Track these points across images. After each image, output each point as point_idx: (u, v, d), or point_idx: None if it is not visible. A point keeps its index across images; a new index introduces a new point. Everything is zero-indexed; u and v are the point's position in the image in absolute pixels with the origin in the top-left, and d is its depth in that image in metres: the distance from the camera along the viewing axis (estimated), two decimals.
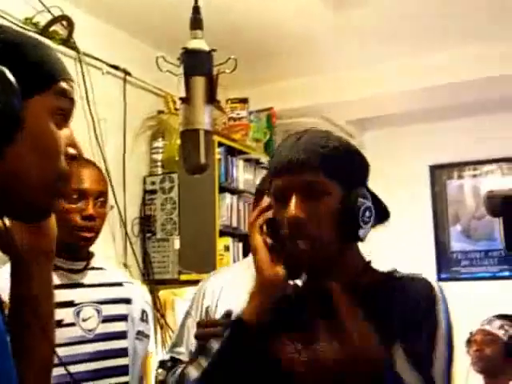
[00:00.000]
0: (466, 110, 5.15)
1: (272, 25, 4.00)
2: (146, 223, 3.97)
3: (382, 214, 1.54)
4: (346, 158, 1.44)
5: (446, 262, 5.36)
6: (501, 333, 3.49)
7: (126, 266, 3.73)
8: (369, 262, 1.53)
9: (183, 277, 3.82)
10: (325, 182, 1.39)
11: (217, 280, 2.33)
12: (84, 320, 2.15)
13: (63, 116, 1.14)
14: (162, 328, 3.88)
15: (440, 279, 5.30)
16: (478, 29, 4.07)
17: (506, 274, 5.00)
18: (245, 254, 3.84)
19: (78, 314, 2.15)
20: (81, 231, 2.15)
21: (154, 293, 3.88)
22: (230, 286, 2.22)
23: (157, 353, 3.77)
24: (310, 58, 4.47)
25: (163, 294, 3.98)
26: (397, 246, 5.06)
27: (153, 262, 3.94)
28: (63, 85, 1.13)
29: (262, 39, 4.18)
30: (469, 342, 3.68)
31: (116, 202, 3.68)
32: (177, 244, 3.87)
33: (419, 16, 3.91)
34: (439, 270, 5.36)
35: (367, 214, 1.40)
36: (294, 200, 1.39)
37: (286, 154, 1.44)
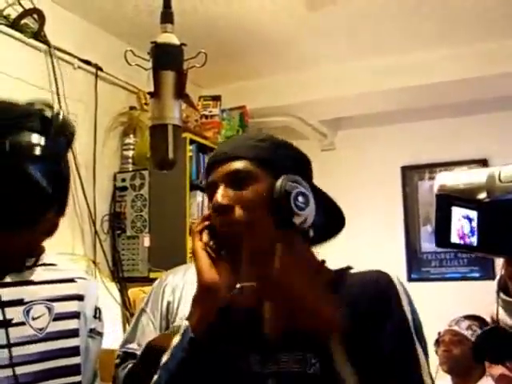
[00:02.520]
0: (437, 111, 5.18)
1: (245, 23, 3.98)
2: (116, 220, 3.93)
3: (337, 221, 1.51)
4: (274, 148, 1.43)
5: (416, 262, 5.38)
6: (469, 333, 3.51)
7: (95, 263, 3.69)
8: (323, 262, 1.49)
9: (153, 274, 3.79)
10: (251, 169, 1.38)
11: (177, 278, 2.30)
12: (34, 319, 2.10)
13: None
14: None
15: (410, 279, 5.33)
16: (452, 30, 4.10)
17: (476, 274, 5.03)
18: None
19: (27, 312, 2.09)
20: None
21: (123, 290, 3.85)
22: (192, 285, 2.20)
23: None
24: (284, 56, 4.47)
25: (133, 291, 3.95)
26: (367, 246, 5.08)
27: (122, 260, 3.90)
28: None
29: (235, 37, 4.16)
30: (437, 342, 3.70)
31: (86, 198, 3.65)
32: (147, 241, 3.84)
33: (393, 16, 3.92)
34: (409, 271, 5.38)
35: (300, 199, 1.33)
36: (220, 189, 1.38)
37: (215, 152, 1.46)
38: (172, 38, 1.69)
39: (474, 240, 1.11)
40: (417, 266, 5.40)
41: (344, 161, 5.53)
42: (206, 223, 1.42)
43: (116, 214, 3.95)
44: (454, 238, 1.09)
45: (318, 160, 5.67)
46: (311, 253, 1.48)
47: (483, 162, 5.10)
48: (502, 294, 1.19)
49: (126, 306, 3.83)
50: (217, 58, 3.52)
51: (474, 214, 1.12)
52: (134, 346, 2.20)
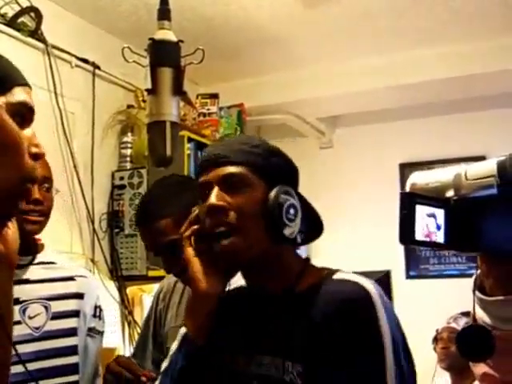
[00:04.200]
0: (435, 108, 5.18)
1: (243, 21, 3.98)
2: (114, 219, 3.92)
3: (316, 227, 1.53)
4: (267, 155, 1.45)
5: (414, 259, 5.38)
6: None
7: (93, 261, 3.69)
8: (306, 261, 1.51)
9: (151, 273, 3.79)
10: (247, 175, 1.40)
11: (169, 285, 2.31)
12: (31, 317, 2.08)
13: (23, 119, 1.15)
14: (129, 324, 3.85)
15: (409, 276, 5.33)
16: (450, 27, 4.10)
17: (474, 271, 5.02)
18: None
19: (24, 311, 2.07)
20: (26, 215, 2.06)
21: (121, 289, 3.85)
22: (177, 294, 2.23)
23: (124, 349, 3.74)
24: (282, 54, 4.47)
25: (131, 290, 3.95)
26: (366, 244, 5.08)
27: (121, 258, 3.89)
28: (16, 90, 1.15)
29: (233, 35, 4.16)
30: (435, 339, 3.71)
31: (84, 196, 3.64)
32: None
33: (390, 14, 3.92)
34: (408, 268, 5.38)
35: (291, 211, 1.38)
36: (214, 191, 1.38)
37: (210, 151, 1.46)
38: (169, 35, 1.69)
39: (440, 237, 1.12)
40: (415, 263, 5.39)
41: (342, 158, 5.52)
42: (195, 227, 1.44)
43: (114, 212, 3.94)
44: (419, 236, 1.10)
45: (316, 158, 5.72)
46: (296, 257, 1.50)
47: (481, 159, 5.06)
48: (477, 293, 1.20)
49: (125, 304, 3.83)
50: (215, 56, 3.52)
51: (439, 212, 1.13)
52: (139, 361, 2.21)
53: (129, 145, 4.03)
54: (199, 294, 1.42)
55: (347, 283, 1.37)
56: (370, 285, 1.36)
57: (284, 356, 1.34)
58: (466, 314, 3.61)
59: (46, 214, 2.16)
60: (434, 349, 3.70)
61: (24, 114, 1.15)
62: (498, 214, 1.11)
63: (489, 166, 1.11)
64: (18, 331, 2.02)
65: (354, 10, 3.86)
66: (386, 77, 4.54)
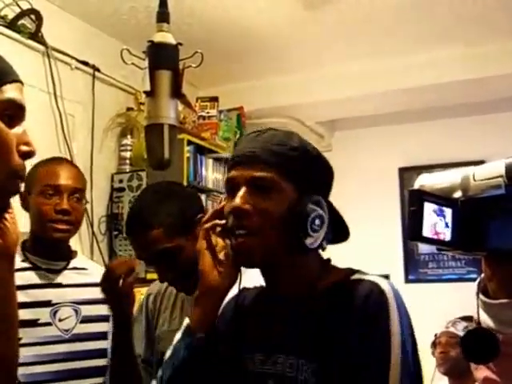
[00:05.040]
0: (434, 112, 5.19)
1: (243, 24, 3.98)
2: (113, 221, 3.93)
3: (341, 232, 1.51)
4: (304, 160, 1.41)
5: (413, 263, 5.38)
6: None
7: None
8: (328, 262, 1.49)
9: (150, 276, 3.77)
10: (277, 179, 1.36)
11: (160, 286, 2.32)
12: (61, 320, 2.16)
13: (12, 117, 1.14)
14: None
15: (407, 281, 5.33)
16: (449, 32, 4.11)
17: (473, 276, 5.02)
18: None
19: (54, 313, 2.16)
20: (54, 223, 2.16)
21: None
22: (170, 295, 2.24)
23: None
24: (281, 58, 4.47)
25: None
26: (365, 248, 5.07)
27: None
28: (6, 88, 1.14)
29: (233, 39, 4.16)
30: (434, 343, 3.70)
31: None
32: None
33: (390, 18, 3.92)
34: (407, 272, 5.38)
35: (317, 222, 1.35)
36: (241, 192, 1.36)
37: (243, 147, 1.42)
38: (168, 38, 1.69)
39: (447, 236, 1.13)
40: (414, 267, 5.39)
41: (341, 162, 5.46)
42: (217, 222, 1.42)
43: (113, 214, 3.94)
44: (426, 233, 1.11)
45: None
46: (317, 260, 1.47)
47: (481, 163, 5.08)
48: (481, 296, 1.19)
49: None
50: (214, 60, 3.53)
51: (447, 211, 1.14)
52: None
53: (128, 147, 4.03)
54: (206, 287, 1.41)
55: (364, 283, 1.36)
56: (386, 285, 1.35)
57: (298, 355, 1.34)
58: (464, 318, 3.61)
59: (74, 224, 2.24)
60: (433, 353, 3.69)
61: (14, 111, 1.15)
62: (505, 215, 1.12)
63: (497, 167, 1.12)
64: (48, 332, 2.11)
65: (353, 14, 3.87)
66: (385, 81, 4.54)
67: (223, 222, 1.40)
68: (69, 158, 3.49)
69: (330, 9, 3.80)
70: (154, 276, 3.64)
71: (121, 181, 3.96)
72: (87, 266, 2.36)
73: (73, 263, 2.30)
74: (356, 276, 1.40)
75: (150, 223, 1.93)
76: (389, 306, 1.31)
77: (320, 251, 1.45)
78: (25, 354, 2.00)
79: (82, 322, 2.20)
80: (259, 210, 1.35)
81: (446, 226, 1.13)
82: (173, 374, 1.40)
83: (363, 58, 4.47)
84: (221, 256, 1.41)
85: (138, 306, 2.33)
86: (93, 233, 3.76)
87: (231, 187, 1.40)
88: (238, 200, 1.35)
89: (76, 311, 2.20)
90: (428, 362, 3.69)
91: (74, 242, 3.57)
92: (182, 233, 1.95)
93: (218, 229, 1.42)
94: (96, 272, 2.37)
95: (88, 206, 3.69)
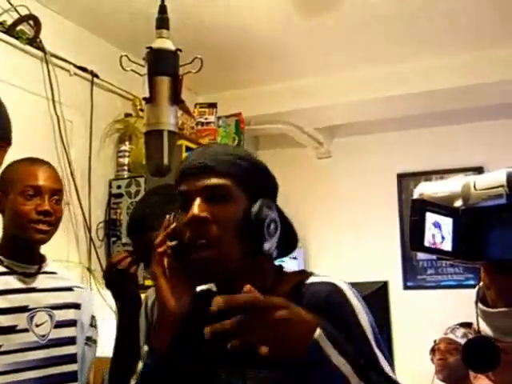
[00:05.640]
0: (433, 119, 5.18)
1: (242, 30, 3.98)
2: (111, 227, 3.91)
3: (292, 241, 1.52)
4: (252, 168, 1.42)
5: (412, 270, 5.37)
6: (464, 341, 3.49)
7: (90, 270, 3.68)
8: (281, 268, 1.49)
9: (148, 282, 3.77)
10: (230, 187, 1.37)
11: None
12: (37, 325, 2.13)
13: None
14: None
15: (406, 287, 5.32)
16: (447, 38, 4.11)
17: (472, 282, 5.01)
18: None
19: (31, 319, 2.12)
20: (35, 224, 2.14)
21: None
22: None
23: None
24: (280, 64, 4.47)
25: None
26: (363, 254, 5.07)
27: None
28: None
29: (231, 45, 4.16)
30: (433, 350, 3.69)
31: (81, 205, 3.64)
32: None
33: (388, 25, 3.92)
34: (405, 278, 5.37)
35: (272, 226, 1.36)
36: (197, 201, 1.35)
37: (193, 159, 1.42)
38: (167, 44, 1.69)
39: (448, 245, 1.13)
40: (412, 273, 5.38)
41: (340, 168, 5.52)
42: (172, 243, 1.41)
43: (111, 220, 3.93)
44: (428, 242, 1.11)
45: (314, 168, 5.72)
46: (270, 268, 1.47)
47: (479, 170, 5.10)
48: (480, 305, 1.19)
49: None
50: (213, 66, 3.52)
51: (448, 221, 1.14)
52: None
53: (126, 153, 4.02)
54: (165, 315, 1.40)
55: (320, 285, 1.38)
56: (343, 283, 1.38)
57: (272, 369, 1.29)
58: (463, 324, 3.60)
59: (54, 225, 2.22)
60: (432, 360, 3.69)
61: None
62: (505, 225, 1.12)
63: (498, 176, 1.12)
64: (26, 338, 2.07)
65: (351, 21, 3.87)
66: (384, 87, 4.55)
67: (174, 243, 1.40)
68: (67, 163, 3.49)
69: (329, 16, 3.80)
70: (152, 282, 3.66)
71: (119, 187, 3.95)
72: (57, 271, 2.33)
73: (44, 267, 2.26)
74: (311, 279, 1.41)
75: (152, 225, 1.93)
76: (350, 300, 1.35)
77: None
78: (5, 362, 1.98)
79: (56, 326, 2.18)
80: (216, 218, 1.34)
81: (448, 235, 1.13)
82: None
83: (362, 65, 4.47)
84: (178, 279, 1.40)
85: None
86: (91, 239, 3.75)
87: (184, 201, 1.39)
88: (194, 209, 1.34)
89: (51, 316, 2.17)
90: (427, 369, 3.69)
91: (71, 248, 3.60)
92: None
93: (169, 251, 1.41)
94: (65, 276, 2.37)
95: (86, 212, 3.69)
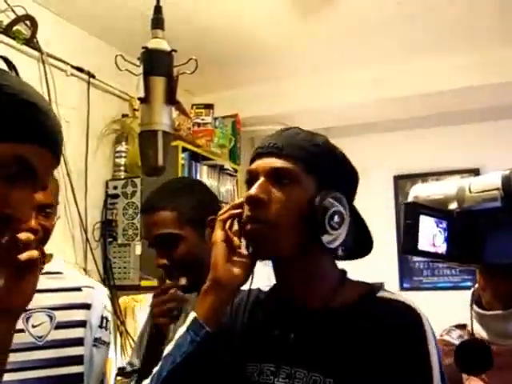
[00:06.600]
0: (429, 120, 5.19)
1: (238, 31, 3.98)
2: (108, 228, 3.91)
3: (363, 245, 1.46)
4: (327, 158, 1.37)
5: (408, 271, 5.38)
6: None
7: (85, 271, 3.67)
8: (344, 272, 1.43)
9: (144, 283, 3.77)
10: (297, 171, 1.32)
11: None
12: (34, 326, 2.10)
13: (13, 177, 1.10)
14: (121, 335, 3.83)
15: (402, 289, 5.33)
16: (445, 40, 4.11)
17: (468, 284, 5.02)
18: None
19: (27, 320, 2.10)
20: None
21: (114, 299, 3.83)
22: None
23: (116, 359, 3.72)
24: (276, 65, 4.47)
25: (124, 300, 3.93)
26: None
27: (113, 268, 3.88)
28: (16, 147, 1.09)
29: (228, 46, 4.16)
30: None
31: (77, 205, 3.63)
32: (138, 250, 3.82)
33: (385, 26, 3.92)
34: (402, 280, 5.37)
35: (336, 218, 1.29)
36: (259, 181, 1.33)
37: (267, 139, 1.40)
38: (162, 44, 1.69)
39: (442, 249, 1.12)
40: (408, 274, 5.39)
41: None
42: (235, 212, 1.37)
43: (107, 221, 3.92)
44: (422, 246, 1.10)
45: None
46: (333, 270, 1.42)
47: (476, 171, 5.11)
48: (475, 307, 1.19)
49: (117, 314, 3.81)
50: (209, 67, 3.53)
51: (442, 224, 1.12)
52: (137, 362, 2.20)
53: (123, 154, 4.02)
54: (216, 280, 1.33)
55: (397, 304, 1.31)
56: (421, 310, 1.30)
57: (324, 372, 1.26)
58: (459, 326, 3.59)
59: (42, 241, 2.11)
60: None
61: (6, 169, 1.10)
62: (500, 227, 1.11)
63: (493, 180, 1.10)
64: (20, 339, 2.03)
65: (347, 23, 3.87)
66: (380, 89, 4.55)
67: (239, 211, 1.36)
68: (63, 164, 3.48)
69: (324, 17, 3.80)
70: (149, 283, 3.65)
71: (115, 187, 3.95)
72: (62, 270, 2.28)
73: (46, 268, 2.20)
74: (382, 294, 1.35)
75: (166, 204, 1.94)
76: (427, 336, 1.27)
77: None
78: None
79: (57, 327, 2.14)
80: (276, 200, 1.31)
81: (442, 239, 1.12)
82: (172, 370, 1.30)
83: (358, 66, 4.47)
84: (237, 249, 1.35)
85: (146, 318, 2.31)
86: (87, 239, 3.75)
87: (250, 179, 1.37)
88: (254, 189, 1.32)
89: (50, 317, 2.14)
90: None
91: (67, 249, 3.59)
92: (192, 225, 1.95)
93: (235, 226, 1.37)
94: (72, 276, 2.33)
95: (82, 213, 3.69)
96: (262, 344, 1.37)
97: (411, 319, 1.28)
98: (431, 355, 1.23)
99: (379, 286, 1.38)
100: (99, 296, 2.39)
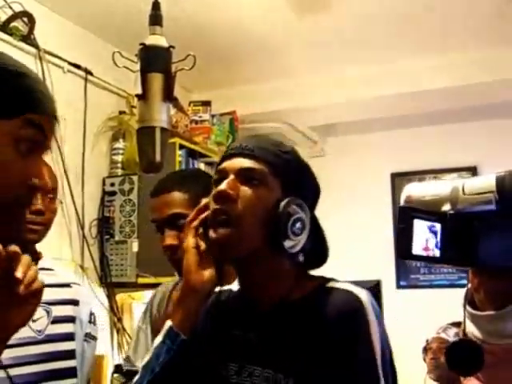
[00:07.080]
0: (428, 118, 5.19)
1: (236, 28, 3.98)
2: (105, 225, 3.90)
3: (320, 255, 1.49)
4: (293, 165, 1.42)
5: (405, 269, 5.38)
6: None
7: (82, 268, 3.67)
8: (304, 271, 1.46)
9: (141, 280, 3.77)
10: (266, 173, 1.37)
11: (164, 292, 2.31)
12: (34, 320, 2.11)
13: (31, 146, 1.13)
14: (118, 332, 3.83)
15: (399, 286, 5.33)
16: (441, 38, 4.11)
17: (465, 282, 5.00)
18: None
19: None
20: (28, 224, 2.10)
21: (111, 296, 3.83)
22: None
23: (113, 356, 3.72)
24: (274, 62, 4.47)
25: (121, 297, 3.93)
26: (357, 253, 5.07)
27: (110, 265, 3.88)
28: (33, 117, 1.12)
29: (226, 42, 4.16)
30: (425, 349, 3.70)
31: (74, 202, 3.63)
32: (135, 247, 3.82)
33: (382, 24, 3.92)
34: (398, 277, 5.38)
35: (298, 225, 1.34)
36: (229, 179, 1.36)
37: (238, 142, 1.44)
38: (160, 40, 1.68)
39: (436, 252, 1.11)
40: (405, 273, 5.40)
41: (334, 167, 5.52)
42: (203, 216, 1.40)
43: (104, 218, 3.92)
44: (416, 250, 1.09)
45: None
46: (291, 268, 1.43)
47: (473, 170, 5.12)
48: (468, 307, 1.18)
49: (114, 311, 3.81)
50: (207, 64, 3.52)
51: (436, 226, 1.11)
52: (137, 363, 2.20)
53: (120, 151, 4.01)
54: (190, 287, 1.38)
55: (340, 293, 1.34)
56: (363, 294, 1.33)
57: (275, 368, 1.32)
58: (456, 324, 3.61)
59: (46, 224, 2.19)
60: (424, 359, 3.69)
61: (33, 140, 1.14)
62: (494, 230, 1.10)
63: (487, 181, 1.09)
64: (22, 333, 2.03)
65: (346, 21, 3.87)
66: (378, 86, 4.55)
67: (205, 215, 1.40)
68: (60, 160, 3.47)
69: (324, 15, 3.80)
70: (146, 280, 3.65)
71: (112, 184, 3.94)
72: (53, 267, 2.29)
73: (40, 264, 2.21)
74: (331, 284, 1.39)
75: (180, 186, 1.98)
76: (368, 320, 1.30)
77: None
78: (4, 356, 1.97)
79: (53, 322, 2.15)
80: (244, 197, 1.35)
81: (436, 242, 1.11)
82: (152, 380, 1.36)
83: (356, 64, 4.47)
84: (204, 254, 1.39)
85: (141, 314, 2.32)
86: (84, 236, 3.75)
87: (219, 178, 1.40)
88: (223, 185, 1.35)
89: (47, 312, 2.15)
90: (419, 368, 3.69)
91: (64, 246, 3.59)
92: None
93: (200, 230, 1.41)
94: (62, 273, 2.35)
95: (79, 210, 3.68)
96: (227, 344, 1.42)
97: (352, 304, 1.31)
98: (374, 347, 1.28)
99: (330, 279, 1.41)
100: (86, 293, 2.43)
